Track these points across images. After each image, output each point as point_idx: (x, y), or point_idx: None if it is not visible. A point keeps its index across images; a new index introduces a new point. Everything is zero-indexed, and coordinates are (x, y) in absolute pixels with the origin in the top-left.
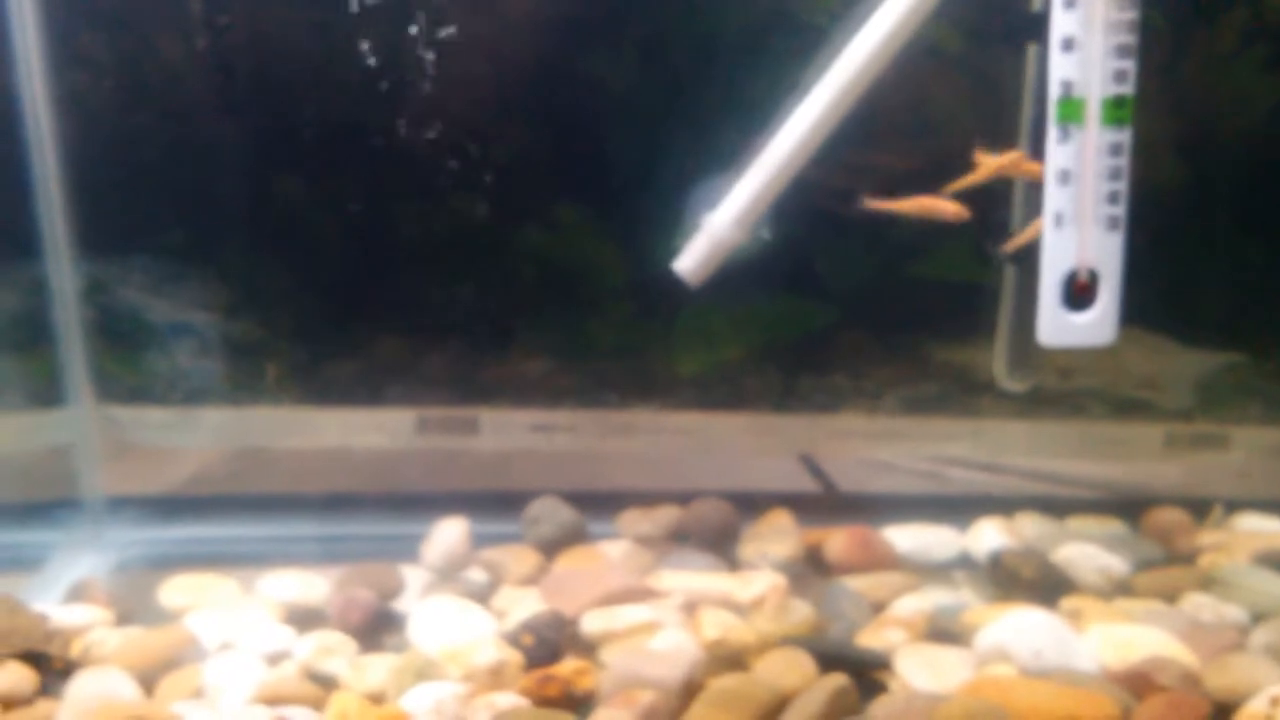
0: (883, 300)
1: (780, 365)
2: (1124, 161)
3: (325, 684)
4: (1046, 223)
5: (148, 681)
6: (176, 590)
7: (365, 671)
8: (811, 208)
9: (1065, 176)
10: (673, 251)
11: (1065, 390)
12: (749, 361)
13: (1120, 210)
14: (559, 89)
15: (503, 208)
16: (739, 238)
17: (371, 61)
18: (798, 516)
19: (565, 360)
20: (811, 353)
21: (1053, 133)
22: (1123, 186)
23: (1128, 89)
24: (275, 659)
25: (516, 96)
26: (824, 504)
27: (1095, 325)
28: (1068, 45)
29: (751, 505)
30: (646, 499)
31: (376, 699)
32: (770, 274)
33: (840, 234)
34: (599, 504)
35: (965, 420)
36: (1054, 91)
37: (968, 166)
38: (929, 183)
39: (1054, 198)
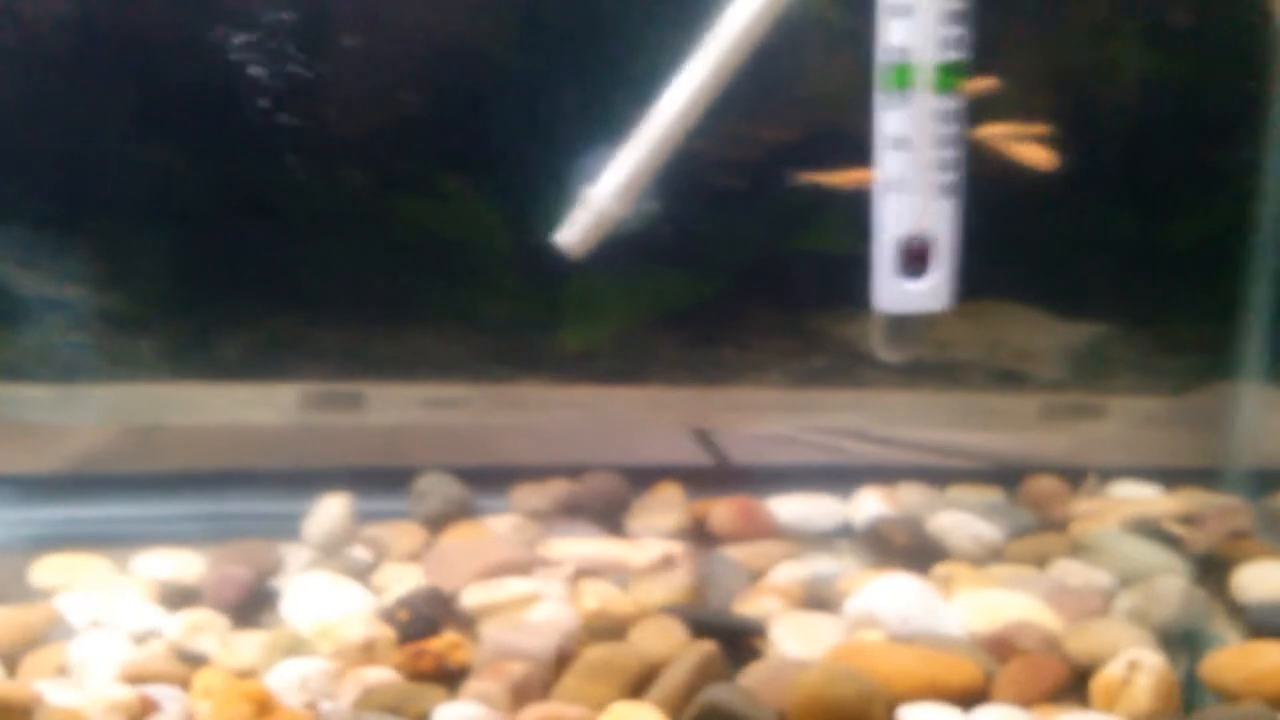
0: (770, 272)
1: (670, 338)
2: (957, 128)
3: (194, 662)
4: (880, 189)
5: (10, 661)
6: (48, 570)
7: (236, 649)
8: (697, 179)
9: (899, 143)
10: (560, 220)
11: (944, 362)
12: (639, 334)
13: (953, 177)
14: (440, 55)
15: (385, 176)
16: (621, 210)
17: (249, 26)
18: (691, 489)
19: (453, 333)
20: (700, 325)
21: (885, 99)
22: (956, 154)
23: (960, 55)
24: (143, 637)
25: (398, 63)
26: (716, 476)
27: (930, 292)
28: (900, 11)
29: (645, 478)
30: (539, 473)
31: (246, 676)
32: (658, 246)
33: (726, 206)
34: (491, 479)
35: (850, 391)
36: (887, 58)
37: (848, 138)
38: (811, 154)
39: (888, 164)
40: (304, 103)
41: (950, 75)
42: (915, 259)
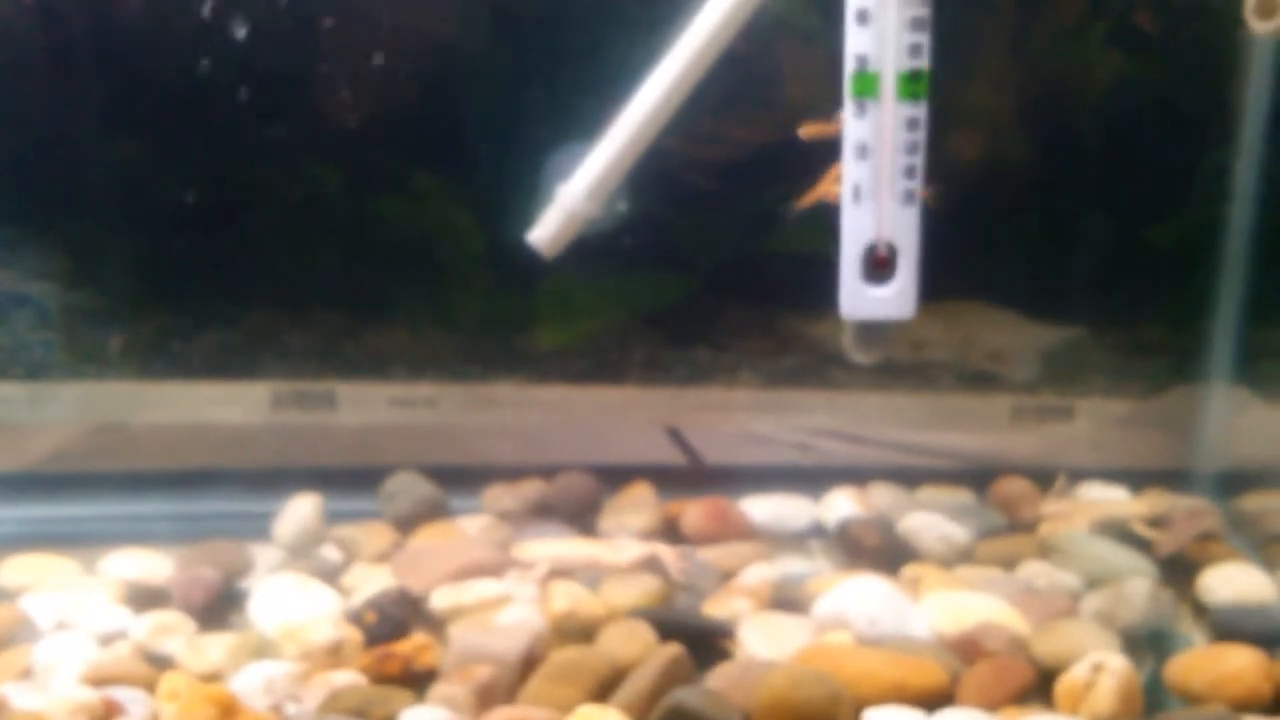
0: (743, 273)
1: (644, 338)
2: (920, 136)
3: (160, 664)
4: (845, 197)
5: None
6: (15, 570)
7: (202, 651)
8: (671, 179)
9: (862, 151)
10: (532, 220)
11: (916, 362)
12: (612, 334)
13: (916, 185)
14: (414, 55)
15: (357, 174)
16: (593, 210)
17: (220, 25)
18: (664, 489)
19: (426, 332)
20: (674, 325)
21: (849, 107)
22: (919, 161)
23: (922, 63)
24: (109, 639)
25: (372, 62)
26: (689, 476)
27: (894, 299)
28: (862, 18)
29: (619, 478)
30: (511, 473)
31: (212, 678)
32: (631, 246)
33: (699, 206)
34: (463, 479)
35: (822, 392)
36: (849, 66)
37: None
38: (786, 156)
39: (852, 172)
40: (277, 101)
41: (913, 83)
42: (880, 265)
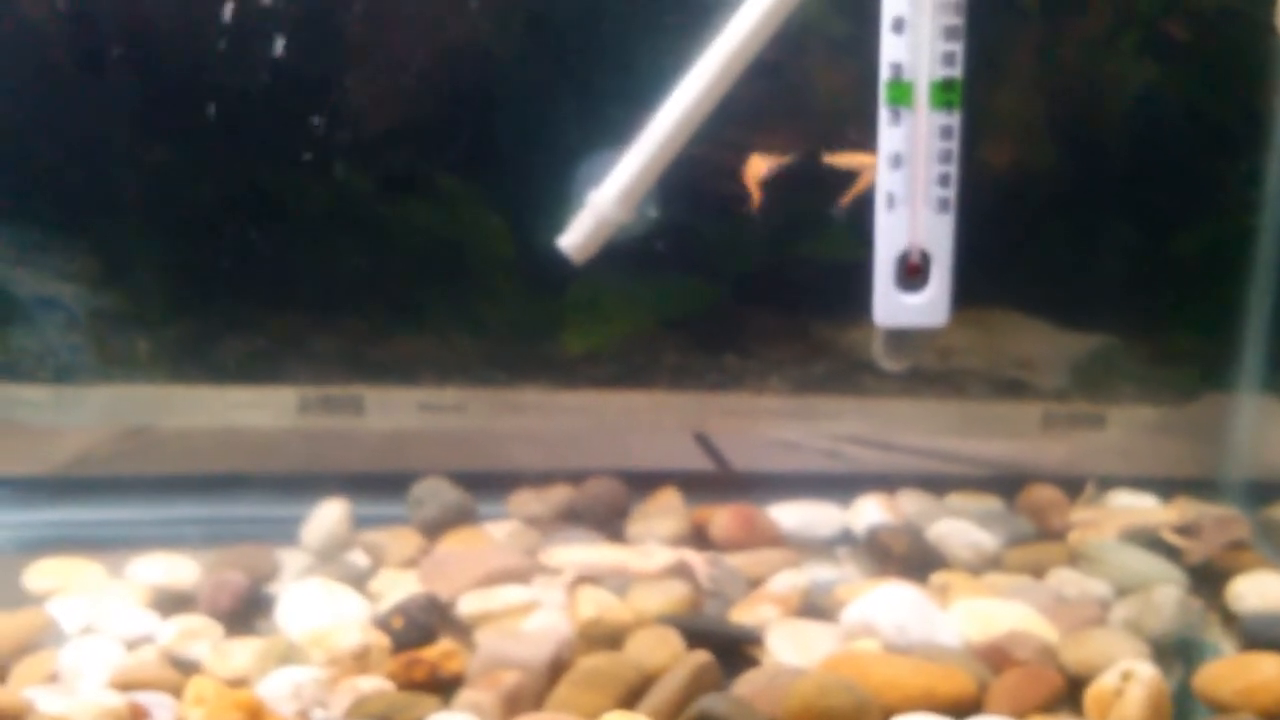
0: (773, 279)
1: (673, 343)
2: (954, 144)
3: (187, 668)
4: (879, 204)
5: (2, 667)
6: (42, 574)
7: (229, 656)
8: (701, 185)
9: (896, 159)
10: (562, 225)
11: (947, 370)
12: (641, 340)
13: (950, 193)
14: (444, 59)
15: (385, 179)
16: (623, 215)
17: (251, 28)
18: (692, 495)
19: (453, 337)
20: (703, 331)
21: (883, 115)
22: (952, 169)
23: (956, 72)
24: (136, 643)
25: (401, 67)
26: (718, 482)
27: (928, 306)
28: (897, 26)
29: (647, 484)
30: (540, 479)
31: (239, 684)
32: (661, 252)
33: (729, 213)
34: (491, 484)
35: (852, 398)
36: (884, 74)
37: (853, 146)
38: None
39: (885, 180)
40: (306, 105)
41: (946, 92)
42: (913, 273)
